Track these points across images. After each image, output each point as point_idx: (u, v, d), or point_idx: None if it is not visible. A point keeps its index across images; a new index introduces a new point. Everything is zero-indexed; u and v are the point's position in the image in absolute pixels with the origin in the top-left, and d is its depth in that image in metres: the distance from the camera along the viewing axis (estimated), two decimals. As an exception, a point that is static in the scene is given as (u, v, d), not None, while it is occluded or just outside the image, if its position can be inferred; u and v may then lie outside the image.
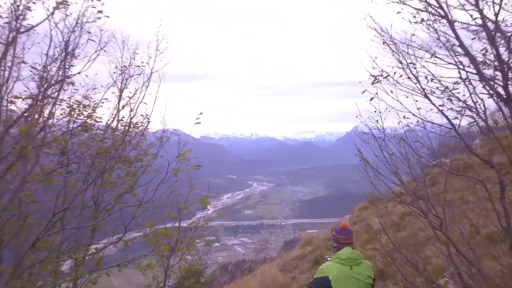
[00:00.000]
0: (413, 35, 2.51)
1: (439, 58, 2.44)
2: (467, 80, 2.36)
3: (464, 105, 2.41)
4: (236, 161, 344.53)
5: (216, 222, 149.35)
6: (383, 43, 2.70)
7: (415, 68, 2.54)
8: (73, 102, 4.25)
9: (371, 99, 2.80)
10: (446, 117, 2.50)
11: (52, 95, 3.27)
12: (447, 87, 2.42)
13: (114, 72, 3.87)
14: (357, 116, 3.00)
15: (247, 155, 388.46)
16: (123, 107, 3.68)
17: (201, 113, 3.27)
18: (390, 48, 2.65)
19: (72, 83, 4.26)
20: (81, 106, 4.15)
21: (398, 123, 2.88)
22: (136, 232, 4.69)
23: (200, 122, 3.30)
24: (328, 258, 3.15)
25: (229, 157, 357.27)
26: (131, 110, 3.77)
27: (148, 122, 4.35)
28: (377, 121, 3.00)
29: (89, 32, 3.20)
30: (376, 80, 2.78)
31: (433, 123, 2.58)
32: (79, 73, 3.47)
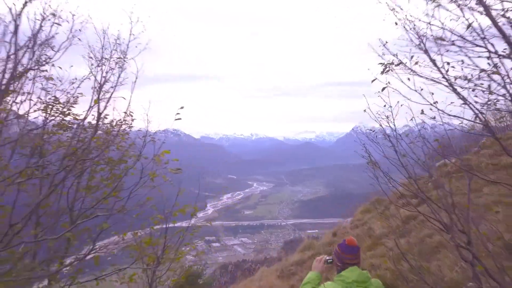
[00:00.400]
0: (438, 5, 2.08)
1: (467, 40, 2.03)
2: (500, 58, 1.95)
3: (492, 98, 2.02)
4: (236, 161, 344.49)
5: (216, 222, 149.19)
6: (397, 23, 2.28)
7: (440, 48, 2.11)
8: (48, 98, 3.87)
9: (383, 89, 2.38)
10: (477, 110, 2.08)
11: (15, 87, 2.87)
12: (484, 70, 2.00)
13: (92, 64, 3.48)
14: (365, 110, 2.57)
15: (247, 155, 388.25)
16: (95, 101, 3.28)
17: (182, 108, 2.87)
18: (405, 28, 2.23)
19: (51, 78, 3.89)
20: (57, 102, 3.76)
21: (411, 119, 2.48)
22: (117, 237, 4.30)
23: (180, 118, 2.90)
24: (329, 260, 2.74)
25: (229, 157, 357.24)
26: (101, 107, 3.35)
27: (132, 119, 3.96)
28: (387, 117, 2.59)
29: (53, 15, 2.80)
30: (387, 69, 2.37)
31: (458, 117, 2.19)
32: (47, 63, 3.08)
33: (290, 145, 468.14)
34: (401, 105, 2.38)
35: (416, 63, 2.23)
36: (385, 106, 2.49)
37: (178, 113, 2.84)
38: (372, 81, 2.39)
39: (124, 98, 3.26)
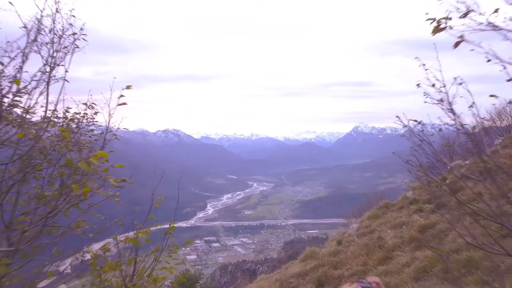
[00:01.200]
0: None
1: None
2: None
3: None
4: (236, 161, 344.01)
5: (216, 223, 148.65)
6: None
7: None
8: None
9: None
10: None
11: None
12: None
13: (30, 39, 2.69)
14: (418, 85, 1.75)
15: (247, 156, 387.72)
16: (16, 82, 2.49)
17: (128, 87, 2.10)
18: None
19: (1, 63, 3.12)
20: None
21: (471, 106, 1.64)
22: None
23: (125, 103, 2.13)
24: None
25: (230, 157, 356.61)
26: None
27: (95, 112, 3.16)
28: (441, 100, 1.76)
29: None
30: (443, 25, 1.54)
31: None
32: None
33: (291, 145, 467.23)
34: (460, 84, 1.58)
35: (496, 10, 1.41)
36: (433, 85, 1.68)
37: (122, 95, 2.06)
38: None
39: (68, 81, 2.46)
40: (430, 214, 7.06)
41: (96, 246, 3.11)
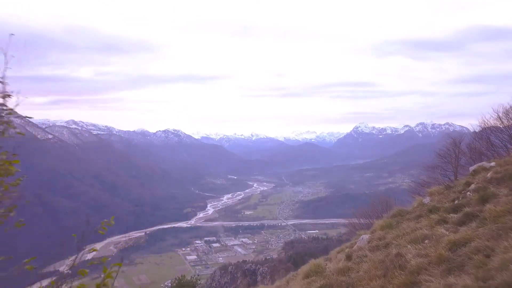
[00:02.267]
0: None
1: None
2: None
3: None
4: (236, 161, 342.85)
5: (217, 223, 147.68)
6: None
7: None
8: None
9: None
10: None
11: None
12: None
13: None
14: None
15: (247, 156, 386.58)
16: None
17: None
18: None
19: None
20: None
21: None
22: None
23: None
24: None
25: (230, 158, 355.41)
26: None
27: (6, 95, 2.15)
28: None
29: None
30: None
31: None
32: None
33: (291, 145, 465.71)
34: None
35: None
36: None
37: None
38: None
39: None
40: (457, 226, 6.04)
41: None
